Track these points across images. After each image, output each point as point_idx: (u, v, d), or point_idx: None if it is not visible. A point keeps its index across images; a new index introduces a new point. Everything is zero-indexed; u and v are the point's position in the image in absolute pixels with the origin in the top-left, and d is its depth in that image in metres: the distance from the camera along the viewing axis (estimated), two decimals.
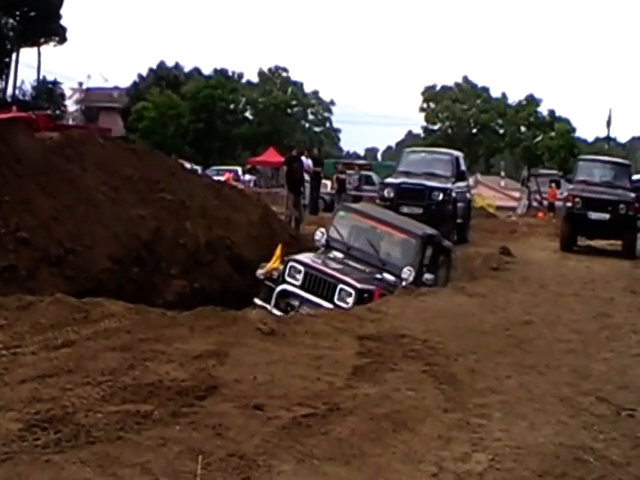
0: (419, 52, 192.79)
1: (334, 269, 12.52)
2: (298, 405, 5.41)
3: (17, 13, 72.88)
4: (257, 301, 12.12)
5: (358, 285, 11.95)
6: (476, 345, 7.98)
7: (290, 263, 12.18)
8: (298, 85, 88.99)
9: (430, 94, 77.68)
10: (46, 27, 74.61)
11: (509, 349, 8.02)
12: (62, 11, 74.39)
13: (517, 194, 47.07)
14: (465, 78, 78.96)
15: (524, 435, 5.42)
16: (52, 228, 11.25)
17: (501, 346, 8.10)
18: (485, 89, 78.09)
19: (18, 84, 75.41)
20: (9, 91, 72.31)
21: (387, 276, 12.90)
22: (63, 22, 75.60)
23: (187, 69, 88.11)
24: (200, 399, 5.38)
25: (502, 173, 69.98)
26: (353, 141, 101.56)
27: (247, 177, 48.82)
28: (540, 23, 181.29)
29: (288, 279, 12.09)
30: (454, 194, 21.24)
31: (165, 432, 4.78)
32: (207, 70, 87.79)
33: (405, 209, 19.64)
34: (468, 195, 24.49)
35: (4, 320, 7.09)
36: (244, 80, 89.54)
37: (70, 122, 62.44)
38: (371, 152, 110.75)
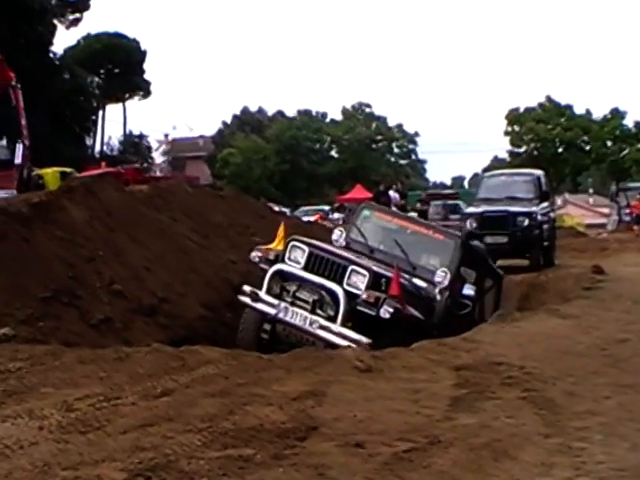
0: (500, 76, 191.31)
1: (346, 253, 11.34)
2: (398, 440, 5.37)
3: (101, 71, 74.57)
4: (246, 287, 10.94)
5: (373, 267, 10.75)
6: (572, 367, 7.81)
7: (292, 242, 11.02)
8: (382, 119, 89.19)
9: (514, 117, 77.04)
10: (130, 82, 76.23)
11: (606, 369, 7.83)
12: (145, 65, 75.86)
13: (606, 210, 46.22)
14: (548, 97, 78.08)
15: (627, 456, 5.28)
16: (145, 278, 11.48)
17: (598, 366, 7.91)
18: (569, 106, 76.90)
19: (105, 140, 77.16)
20: (97, 147, 73.86)
21: (417, 282, 11.69)
22: (146, 76, 77.11)
23: (270, 112, 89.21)
24: (301, 440, 5.35)
25: (590, 190, 69.11)
26: (439, 171, 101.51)
27: (336, 215, 48.93)
28: (619, 35, 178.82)
29: (288, 261, 10.92)
30: (539, 217, 20.42)
31: (268, 475, 4.77)
32: (290, 112, 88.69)
33: (489, 239, 18.84)
34: (552, 215, 23.35)
35: (103, 372, 7.20)
36: (328, 119, 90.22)
37: (158, 173, 63.41)
38: (457, 180, 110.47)
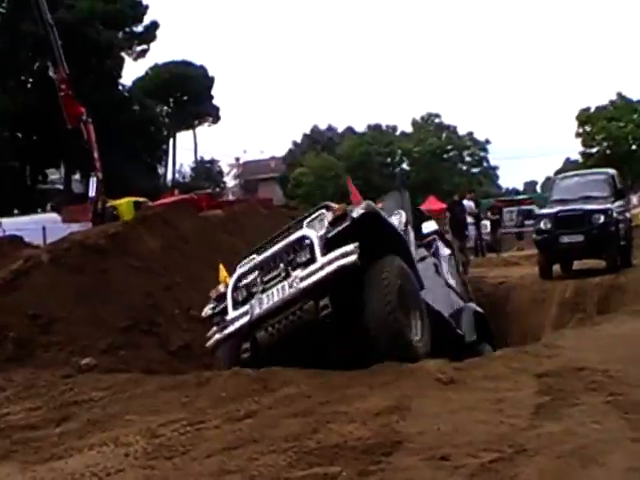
0: (569, 77, 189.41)
1: None
2: (484, 451, 5.31)
3: (170, 100, 75.57)
4: (210, 334, 9.15)
5: (332, 205, 9.15)
6: None
7: (239, 266, 9.39)
8: (452, 129, 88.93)
9: (585, 117, 76.02)
10: (199, 109, 77.17)
11: None
12: (213, 91, 76.77)
13: None
14: (619, 94, 76.92)
15: None
16: None
17: None
18: None
19: (177, 167, 78.19)
20: (169, 176, 74.81)
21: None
22: (215, 102, 78.02)
23: (340, 129, 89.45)
24: (386, 455, 5.34)
25: None
26: (511, 177, 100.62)
27: None
28: None
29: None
30: (615, 214, 19.85)
31: None
32: (360, 127, 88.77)
33: (565, 239, 18.76)
34: (628, 214, 22.79)
35: (185, 398, 7.31)
36: (398, 132, 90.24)
37: (230, 197, 63.97)
38: (530, 185, 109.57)
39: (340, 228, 8.61)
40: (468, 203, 29.19)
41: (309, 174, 74.28)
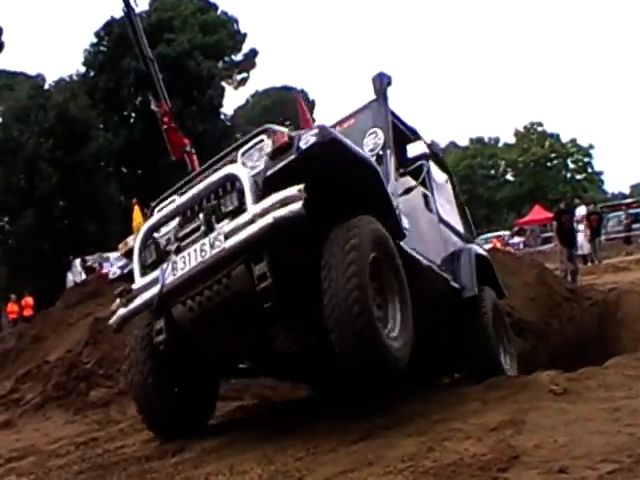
0: None
1: None
2: (602, 462, 5.22)
3: None
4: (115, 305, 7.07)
5: (272, 126, 7.13)
6: None
7: (157, 207, 7.55)
8: (554, 136, 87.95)
9: None
10: None
11: None
12: (315, 114, 77.46)
13: None
14: None
15: None
16: None
17: None
18: None
19: None
20: None
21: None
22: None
23: (443, 144, 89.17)
24: (503, 471, 5.28)
25: None
26: (617, 181, 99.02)
27: (516, 239, 48.37)
28: None
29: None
30: None
31: None
32: (463, 141, 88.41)
33: None
34: None
35: (298, 421, 7.35)
36: (501, 143, 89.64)
37: None
38: (637, 188, 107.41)
39: (282, 164, 6.45)
40: (579, 210, 28.92)
41: None
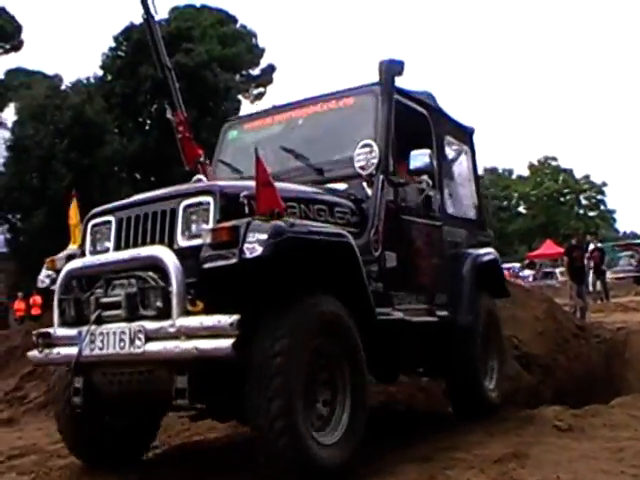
0: None
1: None
2: None
3: None
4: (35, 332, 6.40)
5: (220, 184, 6.24)
6: None
7: (92, 221, 6.63)
8: (568, 172, 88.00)
9: None
10: None
11: None
12: None
13: None
14: None
15: None
16: None
17: None
18: None
19: None
20: None
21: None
22: None
23: None
24: None
25: None
26: (630, 220, 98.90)
27: (526, 272, 48.39)
28: None
29: (90, 255, 6.53)
30: None
31: None
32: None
33: None
34: None
35: None
36: (514, 175, 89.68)
37: None
38: None
39: (221, 264, 5.42)
40: (592, 247, 28.99)
41: None
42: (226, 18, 67.46)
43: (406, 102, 8.15)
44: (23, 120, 50.39)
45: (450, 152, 9.18)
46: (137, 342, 5.55)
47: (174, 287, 5.44)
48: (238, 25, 68.82)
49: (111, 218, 6.40)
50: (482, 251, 9.09)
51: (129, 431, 6.98)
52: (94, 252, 6.49)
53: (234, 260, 5.29)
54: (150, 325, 5.52)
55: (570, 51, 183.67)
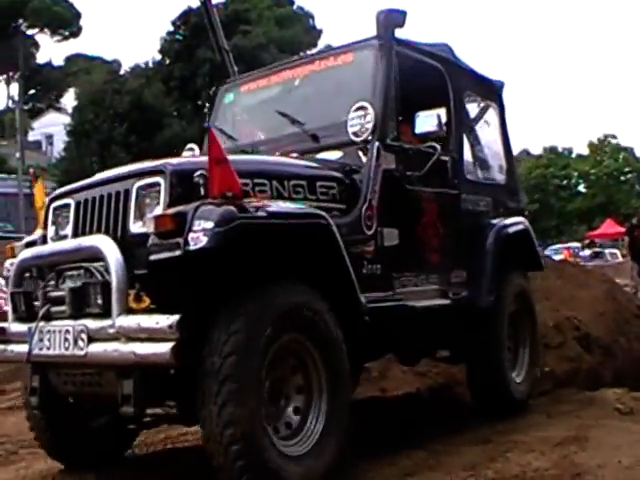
0: None
1: None
2: None
3: None
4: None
5: (173, 162, 5.26)
6: None
7: (53, 203, 6.01)
8: (629, 150, 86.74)
9: None
10: None
11: None
12: None
13: None
14: None
15: None
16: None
17: None
18: None
19: None
20: None
21: (326, 157, 6.60)
22: None
23: (516, 151, 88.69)
24: None
25: None
26: None
27: (586, 252, 47.95)
28: None
29: (51, 240, 5.93)
30: None
31: None
32: (536, 150, 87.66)
33: None
34: None
35: None
36: (574, 154, 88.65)
37: None
38: None
39: (165, 256, 4.69)
40: None
41: None
42: (283, 0, 67.56)
43: (416, 56, 7.25)
44: (83, 105, 50.89)
45: (472, 110, 8.31)
46: (80, 343, 5.01)
47: (114, 282, 4.87)
48: (295, 7, 68.89)
49: (70, 201, 5.77)
50: (509, 221, 8.00)
51: (106, 430, 6.28)
52: (56, 238, 5.86)
53: (178, 252, 4.60)
54: (92, 324, 4.98)
55: (630, 27, 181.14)
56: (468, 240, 7.44)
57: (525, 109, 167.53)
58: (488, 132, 8.49)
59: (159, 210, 4.95)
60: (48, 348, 5.24)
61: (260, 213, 4.85)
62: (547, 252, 38.51)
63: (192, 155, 7.17)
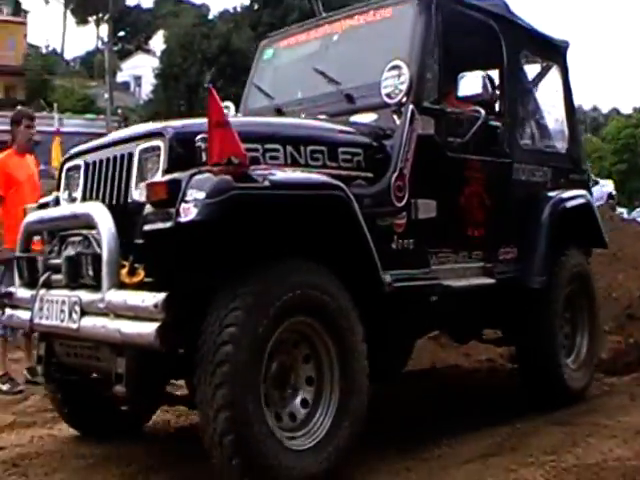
0: None
1: None
2: None
3: None
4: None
5: (173, 125, 4.92)
6: None
7: (67, 164, 5.81)
8: None
9: None
10: None
11: None
12: None
13: None
14: None
15: None
16: None
17: None
18: None
19: None
20: None
21: (360, 119, 6.05)
22: None
23: (605, 110, 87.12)
24: None
25: None
26: None
27: None
28: None
29: (64, 201, 5.77)
30: None
31: None
32: (626, 109, 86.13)
33: None
34: None
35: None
36: None
37: None
38: None
39: (158, 227, 4.39)
40: None
41: None
42: None
43: (464, 11, 6.58)
44: (171, 49, 51.12)
45: (531, 72, 7.69)
46: (74, 315, 4.79)
47: (104, 254, 4.58)
48: None
49: (80, 162, 5.53)
50: (569, 194, 7.38)
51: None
52: (69, 200, 5.66)
53: (170, 224, 4.26)
54: (85, 297, 4.75)
55: None
56: (520, 213, 6.87)
57: (616, 67, 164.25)
58: (549, 96, 7.84)
59: (158, 176, 4.63)
60: (47, 318, 5.07)
61: (261, 183, 4.42)
62: (634, 214, 36.78)
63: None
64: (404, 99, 5.67)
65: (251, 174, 4.40)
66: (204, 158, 4.50)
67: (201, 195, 4.17)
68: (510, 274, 6.61)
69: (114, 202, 4.99)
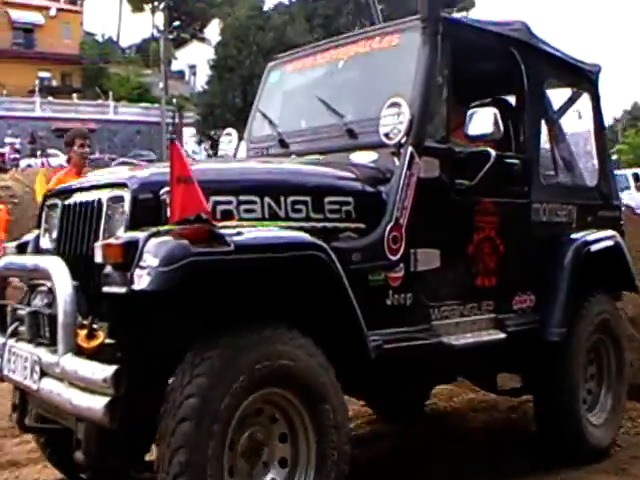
0: None
1: None
2: None
3: None
4: None
5: (137, 175, 4.51)
6: None
7: (47, 201, 5.28)
8: None
9: None
10: None
11: None
12: None
13: None
14: None
15: None
16: None
17: None
18: None
19: None
20: None
21: (360, 158, 5.57)
22: None
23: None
24: None
25: None
26: None
27: None
28: None
29: (43, 240, 5.27)
30: None
31: None
32: None
33: None
34: None
35: None
36: None
37: None
38: None
39: (113, 291, 4.04)
40: None
41: (628, 151, 72.18)
42: None
43: (479, 38, 6.04)
44: (226, 40, 51.22)
45: (557, 100, 7.12)
46: (34, 375, 4.37)
47: (60, 316, 4.09)
48: None
49: (58, 202, 5.06)
50: (595, 235, 6.67)
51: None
52: (50, 240, 5.17)
53: (124, 289, 3.89)
54: (45, 357, 4.30)
55: None
56: (540, 258, 6.27)
57: None
58: (577, 126, 7.35)
59: (121, 231, 4.21)
60: (13, 372, 4.64)
61: (224, 246, 3.94)
62: None
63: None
64: (403, 139, 5.20)
65: (216, 233, 3.94)
66: (169, 213, 4.02)
67: (154, 262, 3.77)
68: (525, 326, 6.03)
69: (83, 252, 4.57)
